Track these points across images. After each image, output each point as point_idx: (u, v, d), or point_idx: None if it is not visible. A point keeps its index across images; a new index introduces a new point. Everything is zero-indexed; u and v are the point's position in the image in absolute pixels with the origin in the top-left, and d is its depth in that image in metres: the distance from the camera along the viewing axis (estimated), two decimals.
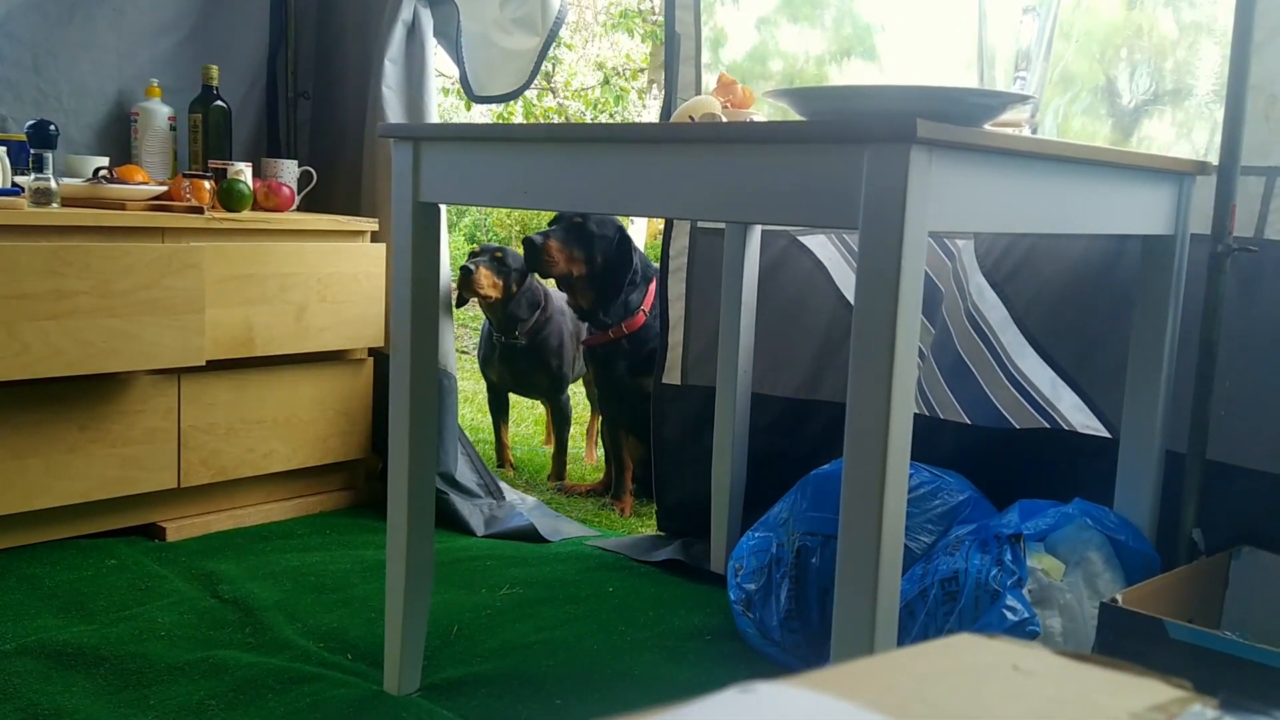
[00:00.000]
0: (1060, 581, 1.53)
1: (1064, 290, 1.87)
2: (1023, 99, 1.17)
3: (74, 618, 1.87)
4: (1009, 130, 1.35)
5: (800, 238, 2.21)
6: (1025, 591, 1.51)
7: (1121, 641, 1.27)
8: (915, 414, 2.00)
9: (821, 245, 2.19)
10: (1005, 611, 1.47)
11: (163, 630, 1.84)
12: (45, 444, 2.11)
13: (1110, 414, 1.81)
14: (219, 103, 2.68)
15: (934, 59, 2.17)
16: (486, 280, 2.79)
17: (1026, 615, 1.47)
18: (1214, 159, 1.55)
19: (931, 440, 1.98)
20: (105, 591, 1.99)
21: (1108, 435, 1.81)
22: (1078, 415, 1.85)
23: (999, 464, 1.89)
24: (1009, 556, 1.53)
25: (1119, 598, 1.32)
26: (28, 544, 2.17)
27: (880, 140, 1.08)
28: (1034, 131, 1.40)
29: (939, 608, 1.56)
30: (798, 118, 1.30)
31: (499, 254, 2.86)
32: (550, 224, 2.71)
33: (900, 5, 2.23)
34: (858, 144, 1.09)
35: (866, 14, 2.32)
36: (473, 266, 2.79)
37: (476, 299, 2.84)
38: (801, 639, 1.75)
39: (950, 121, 1.11)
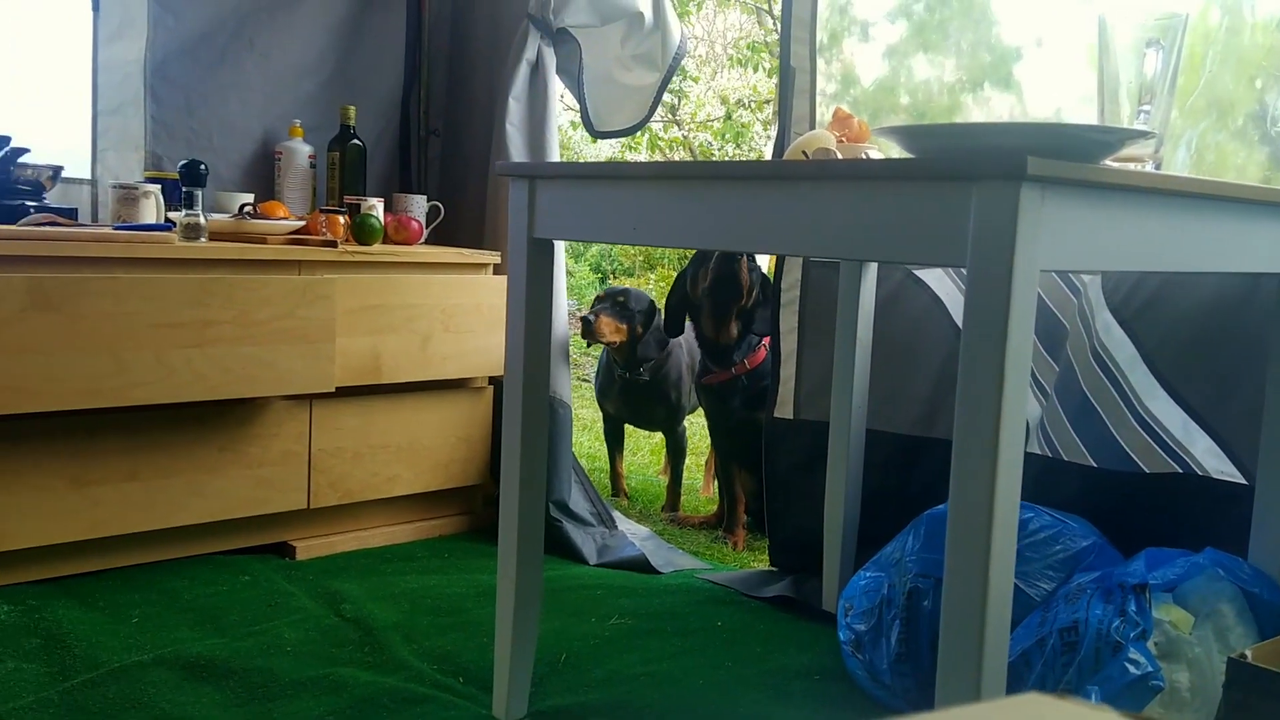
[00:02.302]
0: (1189, 635, 1.46)
1: (1197, 328, 1.79)
2: (1142, 134, 1.13)
3: (208, 631, 1.96)
4: (1131, 166, 1.31)
5: (916, 272, 2.17)
6: (1150, 644, 1.44)
7: (1250, 700, 1.21)
8: (1037, 455, 1.96)
9: (938, 280, 2.15)
10: (1127, 664, 1.41)
11: (289, 646, 1.91)
12: (188, 464, 2.23)
13: (1247, 459, 1.72)
14: (355, 141, 2.80)
15: (1075, 87, 2.10)
16: (608, 327, 2.87)
17: (1150, 669, 1.40)
18: None
19: (1054, 483, 1.92)
20: (238, 606, 2.08)
21: (1243, 481, 1.72)
22: (1211, 460, 1.76)
23: (1126, 509, 1.82)
24: (1133, 607, 1.47)
25: (1249, 653, 1.25)
26: (170, 559, 2.29)
27: (989, 177, 1.06)
28: (1158, 166, 1.35)
29: (1057, 658, 1.50)
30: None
31: (621, 298, 2.91)
32: (691, 260, 2.74)
33: (1043, 30, 2.17)
34: (966, 181, 1.08)
35: (1008, 38, 2.27)
36: (592, 317, 2.87)
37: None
38: (912, 683, 1.71)
39: (1067, 158, 1.09)
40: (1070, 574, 1.64)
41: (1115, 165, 1.27)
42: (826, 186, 1.21)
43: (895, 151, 1.31)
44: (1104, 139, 1.14)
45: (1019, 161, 1.03)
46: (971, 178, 1.07)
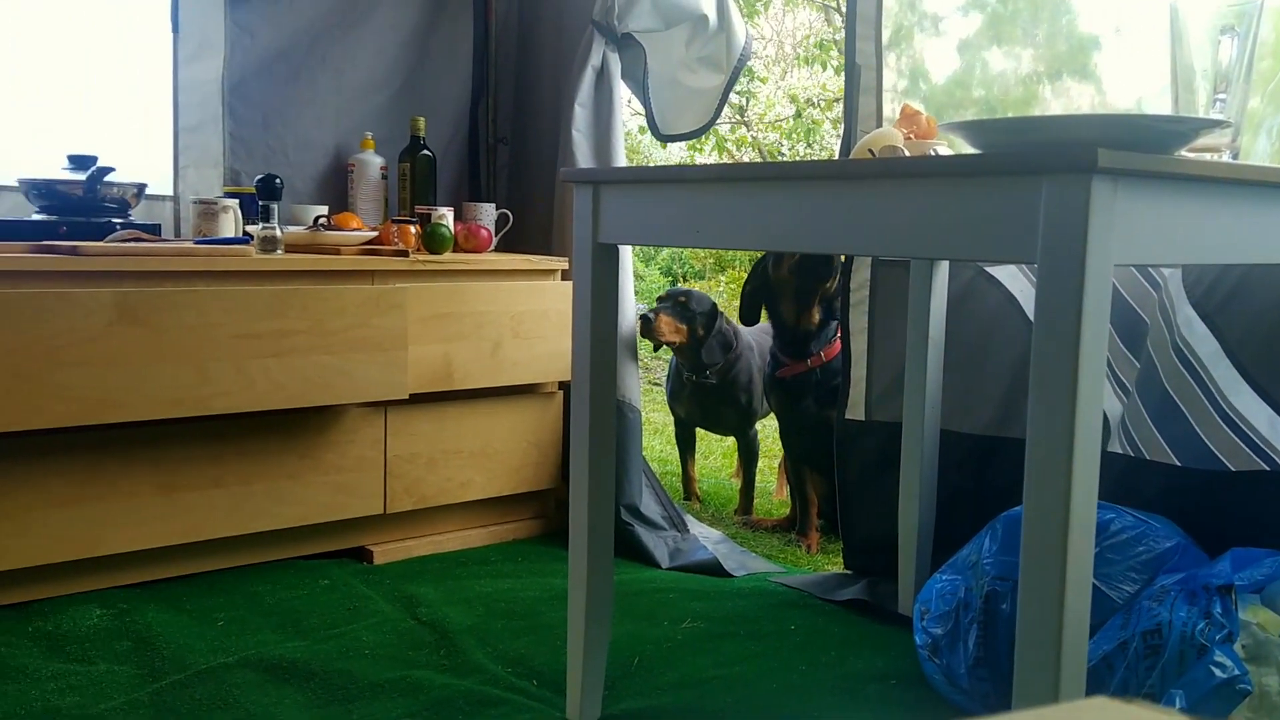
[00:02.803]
0: (1277, 637, 1.41)
1: None
2: (1217, 123, 1.10)
3: (290, 633, 2.01)
4: (1208, 155, 1.27)
5: (988, 269, 2.14)
6: (1237, 647, 1.40)
7: None
8: (1119, 454, 1.91)
9: (1012, 276, 2.11)
10: (1213, 668, 1.37)
11: (367, 649, 1.95)
12: (269, 471, 2.29)
13: None
14: (425, 152, 2.85)
15: (1156, 75, 2.03)
16: (668, 327, 2.86)
17: (1237, 672, 1.36)
18: None
19: (1136, 483, 1.87)
20: (318, 610, 2.13)
21: None
22: None
23: (1211, 509, 1.77)
24: (1219, 609, 1.43)
25: None
26: (253, 563, 2.35)
27: (1058, 171, 1.04)
28: (1235, 156, 1.31)
29: (1140, 662, 1.47)
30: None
31: (683, 299, 2.90)
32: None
33: (1122, 17, 2.11)
34: (1034, 176, 1.06)
35: (1085, 27, 2.21)
36: (652, 315, 2.85)
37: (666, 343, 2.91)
38: (991, 688, 1.68)
39: (1139, 149, 1.06)
40: (1153, 576, 1.59)
41: (1191, 156, 1.24)
42: (891, 185, 1.20)
43: (964, 147, 1.29)
44: (1177, 129, 1.11)
45: (1089, 154, 1.01)
46: (1040, 172, 1.05)
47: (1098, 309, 1.05)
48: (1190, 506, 1.77)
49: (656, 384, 5.16)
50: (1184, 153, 1.19)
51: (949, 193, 1.14)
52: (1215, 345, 1.80)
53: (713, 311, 2.93)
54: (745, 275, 2.88)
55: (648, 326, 2.85)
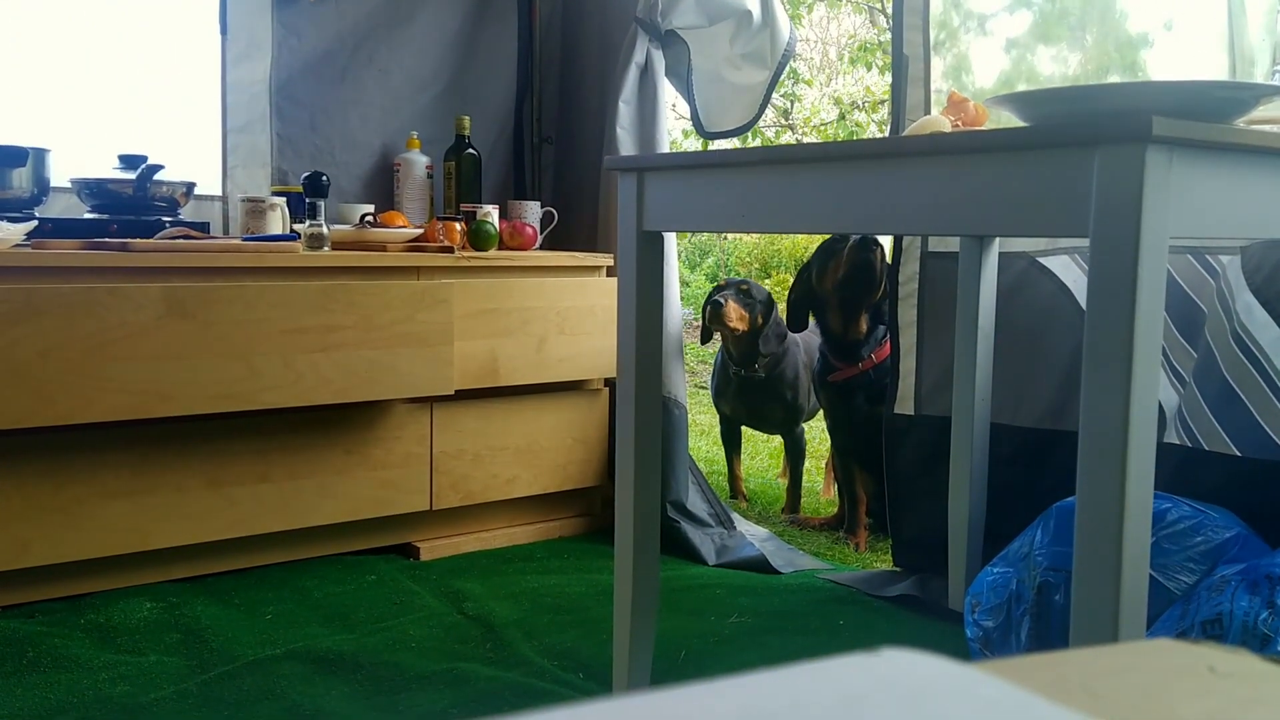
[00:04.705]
0: None
1: None
2: (1276, 91, 1.07)
3: (337, 627, 2.02)
4: (1268, 127, 1.24)
5: (1040, 259, 2.10)
6: None
7: None
8: (1177, 445, 1.86)
9: (1064, 266, 2.07)
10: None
11: (414, 642, 1.95)
12: (317, 466, 2.30)
13: None
14: (470, 151, 2.86)
15: (1208, 72, 1.99)
16: (735, 313, 2.83)
17: None
18: None
19: (1196, 473, 1.82)
20: (365, 604, 2.14)
21: None
22: None
23: (1273, 499, 1.71)
24: None
25: None
26: (302, 559, 2.37)
27: (1111, 141, 1.02)
28: None
29: None
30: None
31: (744, 287, 2.89)
32: (815, 253, 2.71)
33: (1173, 13, 2.06)
34: (1087, 146, 1.03)
35: (1135, 24, 2.17)
36: (723, 300, 2.82)
37: (722, 333, 2.88)
38: None
39: (1195, 119, 1.03)
40: (1213, 566, 1.55)
41: (1249, 127, 1.21)
42: (940, 161, 1.18)
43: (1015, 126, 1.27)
44: (1235, 96, 1.08)
45: (1143, 122, 0.98)
46: (1093, 143, 1.03)
47: (1154, 283, 1.02)
48: (1251, 497, 1.72)
49: (702, 387, 5.14)
50: (1242, 124, 1.16)
51: (999, 167, 1.12)
52: (1277, 332, 1.75)
53: (770, 301, 2.92)
54: (791, 278, 2.85)
55: (717, 311, 2.81)
